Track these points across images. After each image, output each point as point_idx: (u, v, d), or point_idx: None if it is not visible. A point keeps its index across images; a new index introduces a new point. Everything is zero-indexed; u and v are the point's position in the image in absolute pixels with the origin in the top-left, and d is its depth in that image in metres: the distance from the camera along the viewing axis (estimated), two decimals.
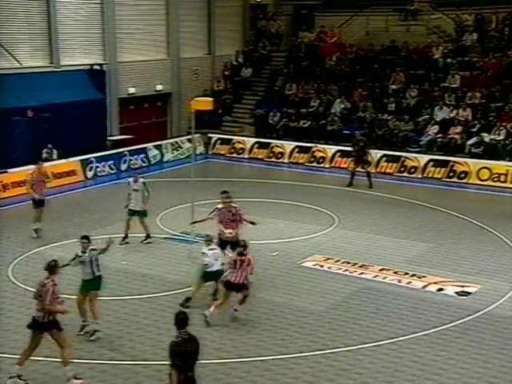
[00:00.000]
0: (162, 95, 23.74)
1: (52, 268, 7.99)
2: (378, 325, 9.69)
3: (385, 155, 19.98)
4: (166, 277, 11.40)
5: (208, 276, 10.00)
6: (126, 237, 12.94)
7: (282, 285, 11.05)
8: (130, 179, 13.34)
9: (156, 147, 21.54)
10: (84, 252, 9.17)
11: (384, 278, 11.31)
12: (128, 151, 20.44)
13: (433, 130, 20.41)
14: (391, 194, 17.32)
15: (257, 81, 25.58)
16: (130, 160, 20.50)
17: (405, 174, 19.55)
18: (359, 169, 18.17)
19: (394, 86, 22.47)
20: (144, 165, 20.90)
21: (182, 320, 6.47)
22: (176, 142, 22.42)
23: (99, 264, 9.19)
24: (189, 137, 21.34)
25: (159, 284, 11.05)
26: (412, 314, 9.96)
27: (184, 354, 6.22)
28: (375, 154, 20.03)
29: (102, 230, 13.65)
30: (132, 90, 22.45)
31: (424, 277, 11.36)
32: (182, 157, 22.13)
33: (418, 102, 21.61)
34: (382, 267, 11.77)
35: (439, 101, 21.07)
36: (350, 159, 19.27)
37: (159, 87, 23.44)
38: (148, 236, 13.09)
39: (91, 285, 9.17)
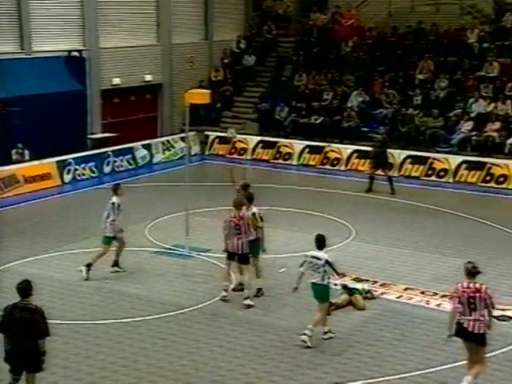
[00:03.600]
0: (151, 87, 23.84)
1: None
2: (403, 354, 9.66)
3: (410, 156, 20.01)
4: (156, 297, 11.41)
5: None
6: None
7: (290, 306, 11.05)
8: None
9: (144, 147, 21.63)
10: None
11: (409, 299, 11.30)
12: (112, 151, 20.52)
13: (466, 126, 20.44)
14: (417, 202, 17.32)
15: (261, 70, 25.68)
16: (115, 162, 20.58)
17: (433, 178, 19.57)
18: (379, 172, 18.20)
19: (420, 76, 22.52)
20: (131, 167, 20.98)
21: (22, 289, 7.48)
22: (168, 141, 22.50)
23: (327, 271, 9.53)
24: (182, 135, 21.41)
25: (148, 305, 11.07)
26: (443, 342, 9.92)
27: (9, 321, 7.35)
28: (398, 154, 20.07)
29: (76, 245, 13.68)
30: (116, 81, 22.55)
31: None
32: (175, 158, 22.22)
33: (449, 93, 21.66)
34: (406, 286, 11.76)
35: (474, 92, 21.09)
36: (368, 161, 19.31)
37: (148, 77, 23.55)
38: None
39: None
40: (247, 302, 10.98)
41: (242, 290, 11.18)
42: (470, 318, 8.17)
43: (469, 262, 8.48)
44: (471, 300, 8.17)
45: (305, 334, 9.67)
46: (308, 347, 9.60)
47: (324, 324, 9.91)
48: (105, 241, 12.17)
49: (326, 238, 9.88)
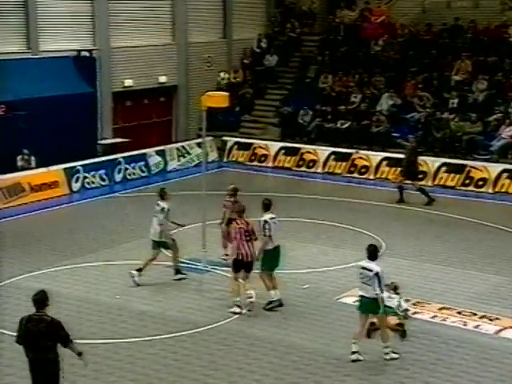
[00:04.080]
0: (165, 89, 24.02)
1: None
2: (438, 379, 9.56)
3: (445, 164, 19.91)
4: (169, 315, 11.44)
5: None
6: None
7: (314, 326, 11.03)
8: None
9: (158, 153, 21.75)
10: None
11: (445, 320, 11.20)
12: (123, 158, 20.67)
13: (507, 132, 20.29)
14: (453, 213, 17.20)
15: (283, 71, 25.75)
16: (126, 169, 20.73)
17: (471, 188, 19.44)
18: (409, 181, 18.09)
19: (457, 77, 22.42)
20: (143, 175, 21.12)
21: (38, 300, 7.64)
22: (183, 147, 22.62)
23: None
24: (199, 140, 21.51)
25: (161, 324, 11.10)
26: (482, 367, 9.82)
27: (25, 334, 7.54)
28: (432, 162, 19.97)
29: (84, 259, 13.78)
30: (129, 83, 22.76)
31: (497, 319, 11.23)
32: (191, 165, 22.32)
33: (489, 96, 21.53)
34: (441, 305, 11.67)
35: None
36: (399, 169, 19.21)
37: (162, 79, 23.74)
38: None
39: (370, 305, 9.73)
40: (233, 309, 11.23)
41: (280, 305, 11.44)
42: None
43: None
44: None
45: (387, 353, 9.80)
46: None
47: (384, 340, 9.88)
48: (153, 246, 12.58)
49: (379, 249, 9.98)
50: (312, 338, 10.61)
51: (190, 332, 10.73)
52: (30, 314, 7.68)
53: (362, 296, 9.92)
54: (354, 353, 9.90)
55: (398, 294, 10.98)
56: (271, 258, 11.56)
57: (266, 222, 11.40)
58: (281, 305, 11.56)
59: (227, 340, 10.52)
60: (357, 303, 11.53)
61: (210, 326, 10.92)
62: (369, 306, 9.86)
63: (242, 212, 11.79)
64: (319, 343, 10.46)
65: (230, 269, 11.90)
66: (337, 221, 16.40)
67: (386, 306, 10.75)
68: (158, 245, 12.58)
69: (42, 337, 7.51)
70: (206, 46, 24.98)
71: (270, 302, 11.52)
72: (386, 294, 10.76)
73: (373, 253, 9.93)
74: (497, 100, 21.34)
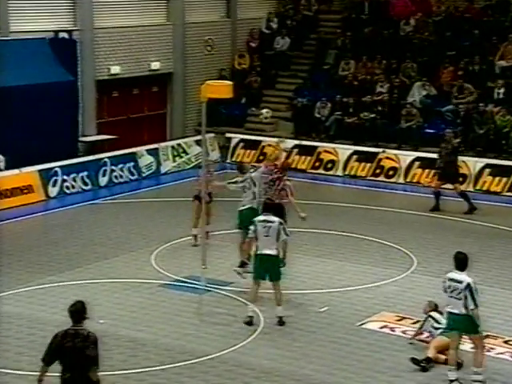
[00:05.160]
0: (159, 77, 24.10)
1: None
2: None
3: (488, 165, 19.92)
4: (162, 343, 11.48)
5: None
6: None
7: (332, 356, 11.02)
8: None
9: (150, 153, 21.81)
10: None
11: (489, 350, 11.17)
12: (109, 158, 20.72)
13: None
14: (498, 224, 17.18)
15: (297, 56, 25.81)
16: (113, 171, 20.80)
17: None
18: (447, 186, 18.11)
19: (503, 63, 22.44)
20: (133, 178, 21.17)
21: (75, 312, 7.85)
22: (179, 145, 22.68)
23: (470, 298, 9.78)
24: (198, 137, 21.56)
25: (153, 353, 11.13)
26: None
27: (59, 351, 7.74)
28: (474, 163, 19.95)
29: (63, 276, 13.82)
30: (116, 70, 22.84)
31: None
32: (188, 166, 22.36)
33: None
34: (485, 333, 11.65)
35: None
36: (434, 172, 19.23)
37: (155, 65, 23.83)
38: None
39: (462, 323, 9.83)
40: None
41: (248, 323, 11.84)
42: None
43: None
44: None
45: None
46: None
47: (477, 365, 9.93)
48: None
49: (469, 257, 10.09)
50: (329, 371, 10.61)
51: (188, 363, 10.72)
52: (66, 328, 7.86)
53: (450, 313, 9.95)
54: (452, 382, 9.95)
55: (441, 313, 11.00)
56: (254, 266, 11.96)
57: (252, 222, 11.87)
58: (249, 323, 11.78)
59: (230, 372, 10.53)
60: (386, 330, 11.56)
61: (210, 356, 10.93)
62: (460, 324, 9.89)
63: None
64: (339, 377, 10.47)
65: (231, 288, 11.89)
66: (359, 232, 16.41)
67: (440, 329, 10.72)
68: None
69: (78, 353, 7.68)
70: (206, 26, 25.06)
71: (250, 317, 11.84)
72: (438, 316, 10.81)
73: (463, 261, 10.02)
74: None
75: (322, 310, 12.58)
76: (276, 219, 11.91)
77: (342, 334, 11.74)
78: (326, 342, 11.45)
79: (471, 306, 9.79)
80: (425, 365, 10.51)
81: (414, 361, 10.55)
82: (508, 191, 19.59)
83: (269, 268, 11.88)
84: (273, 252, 11.80)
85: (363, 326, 12.01)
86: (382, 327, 11.97)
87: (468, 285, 9.78)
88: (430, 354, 10.59)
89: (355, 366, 10.75)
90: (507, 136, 20.71)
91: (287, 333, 11.73)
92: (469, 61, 22.70)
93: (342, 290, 13.46)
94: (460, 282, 9.85)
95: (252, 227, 11.92)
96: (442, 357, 10.56)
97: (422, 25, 24.26)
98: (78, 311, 7.87)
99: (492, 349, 11.18)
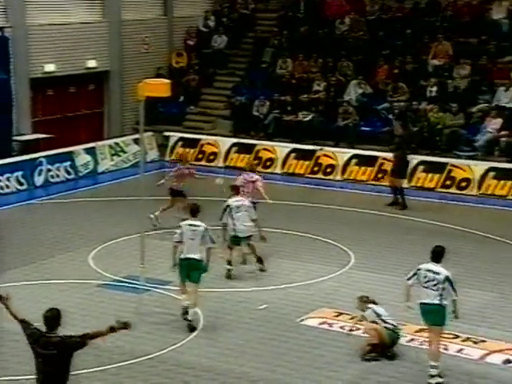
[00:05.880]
0: (95, 75, 23.87)
1: None
2: None
3: (423, 162, 20.22)
4: (101, 344, 11.33)
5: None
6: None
7: (272, 353, 11.06)
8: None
9: (87, 152, 21.57)
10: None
11: (423, 344, 11.36)
12: (45, 157, 20.45)
13: (493, 124, 20.69)
14: (432, 219, 17.48)
15: (235, 54, 25.83)
16: (49, 171, 20.50)
17: (452, 190, 19.79)
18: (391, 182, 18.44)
19: (435, 61, 22.82)
20: (70, 177, 20.91)
21: (49, 318, 7.75)
22: (117, 144, 22.50)
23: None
24: (136, 136, 21.38)
25: (92, 354, 10.95)
26: None
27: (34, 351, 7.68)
28: (410, 159, 20.25)
29: None
30: (50, 68, 22.54)
31: (483, 341, 11.45)
32: (126, 165, 22.19)
33: (472, 83, 21.94)
34: (419, 327, 11.83)
35: (504, 81, 21.30)
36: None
37: (91, 63, 23.57)
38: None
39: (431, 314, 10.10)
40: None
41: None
42: None
43: None
44: None
45: (433, 376, 10.05)
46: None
47: (435, 358, 10.16)
48: (237, 242, 14.13)
49: (445, 251, 10.35)
50: (269, 368, 10.64)
51: (126, 363, 10.65)
52: (42, 333, 7.72)
53: (422, 304, 10.15)
54: (432, 376, 10.09)
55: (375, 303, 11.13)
56: (179, 269, 11.97)
57: (178, 226, 12.01)
58: (185, 313, 11.82)
59: (169, 372, 10.48)
60: (324, 326, 11.65)
61: (149, 356, 10.87)
62: (430, 314, 10.13)
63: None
64: (278, 373, 10.51)
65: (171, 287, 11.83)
66: (298, 229, 16.51)
67: (385, 321, 10.85)
68: (245, 240, 13.96)
69: (51, 361, 7.61)
70: (142, 24, 24.90)
71: (185, 308, 11.87)
72: (382, 310, 10.92)
73: (439, 254, 10.28)
74: (481, 88, 21.73)
75: (262, 307, 12.62)
76: (202, 224, 11.96)
77: (282, 331, 11.80)
78: (266, 339, 11.49)
79: (454, 297, 10.11)
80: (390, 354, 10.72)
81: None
82: (441, 187, 19.93)
83: (191, 272, 11.85)
84: (196, 256, 11.81)
85: (302, 323, 12.09)
86: (320, 323, 12.07)
87: (447, 277, 10.07)
88: (375, 341, 10.76)
89: (295, 362, 10.80)
90: (440, 133, 21.05)
91: (227, 331, 11.75)
92: (402, 60, 23.01)
93: (282, 288, 13.52)
94: (438, 273, 10.10)
95: (178, 231, 11.96)
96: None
97: (356, 24, 24.50)
98: (54, 317, 7.75)
99: (426, 342, 11.35)
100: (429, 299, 10.08)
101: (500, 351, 11.14)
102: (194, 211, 12.17)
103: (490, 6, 23.39)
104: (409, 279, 10.38)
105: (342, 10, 25.03)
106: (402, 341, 11.40)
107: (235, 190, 14.34)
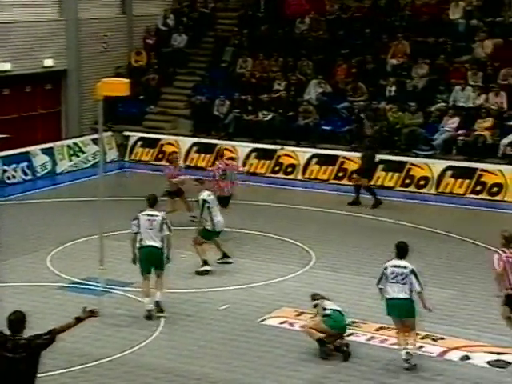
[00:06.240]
0: (52, 74, 23.62)
1: None
2: None
3: (382, 161, 20.36)
4: (59, 346, 11.15)
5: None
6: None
7: (233, 353, 11.07)
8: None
9: (45, 152, 21.37)
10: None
11: (383, 341, 11.47)
12: (1, 158, 20.23)
13: (451, 123, 20.94)
14: (391, 218, 17.63)
15: (195, 53, 25.77)
16: (5, 171, 20.24)
17: (411, 189, 19.98)
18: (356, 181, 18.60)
19: (394, 61, 23.02)
20: (27, 178, 20.68)
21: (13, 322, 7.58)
22: (75, 144, 22.31)
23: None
24: (95, 136, 21.25)
25: (49, 357, 10.74)
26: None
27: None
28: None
29: None
30: (6, 67, 22.25)
31: (442, 339, 11.57)
32: (85, 166, 22.01)
33: (430, 83, 22.18)
34: (379, 325, 11.95)
35: (460, 81, 21.59)
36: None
37: (48, 62, 23.33)
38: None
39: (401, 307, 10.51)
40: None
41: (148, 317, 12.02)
42: None
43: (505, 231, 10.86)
44: None
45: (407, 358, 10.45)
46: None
47: (413, 344, 10.58)
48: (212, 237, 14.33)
49: (409, 246, 10.76)
50: (229, 368, 10.65)
51: (85, 366, 10.58)
52: (6, 336, 7.57)
53: (392, 299, 10.47)
54: (407, 360, 10.44)
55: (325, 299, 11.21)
56: (140, 259, 12.15)
57: (136, 217, 12.12)
58: (149, 317, 11.96)
59: (130, 374, 10.44)
60: (285, 326, 11.70)
61: (109, 358, 10.82)
62: (403, 308, 10.48)
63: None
64: (238, 373, 10.53)
65: (131, 289, 11.78)
66: (259, 229, 16.54)
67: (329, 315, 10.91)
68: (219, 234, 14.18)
69: (24, 361, 7.48)
70: (101, 22, 24.71)
71: (149, 311, 12.06)
72: (329, 304, 10.97)
73: (403, 250, 10.71)
74: (439, 87, 21.97)
75: (223, 307, 12.63)
76: (160, 214, 12.20)
77: (242, 331, 11.82)
78: (226, 339, 11.50)
79: (418, 289, 10.41)
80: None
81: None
82: (401, 186, 20.11)
83: (153, 259, 12.11)
84: (157, 244, 12.02)
85: (263, 323, 12.12)
86: (281, 323, 12.11)
87: (412, 270, 10.45)
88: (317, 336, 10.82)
89: (255, 362, 10.83)
90: (399, 132, 21.24)
91: (188, 332, 11.73)
92: (361, 59, 23.13)
93: (243, 288, 13.54)
94: (404, 267, 10.49)
95: (135, 221, 12.15)
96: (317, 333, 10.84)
97: (316, 23, 24.59)
98: (19, 320, 7.64)
99: (386, 340, 11.47)
100: (399, 294, 10.39)
101: (458, 348, 11.28)
102: (152, 201, 12.37)
103: (447, 6, 23.64)
104: (378, 283, 10.62)
105: (302, 10, 25.10)
106: (362, 339, 11.49)
107: (201, 183, 14.45)
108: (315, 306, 11.12)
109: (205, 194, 14.04)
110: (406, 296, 10.39)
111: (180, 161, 19.49)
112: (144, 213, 12.20)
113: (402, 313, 10.53)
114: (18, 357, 7.47)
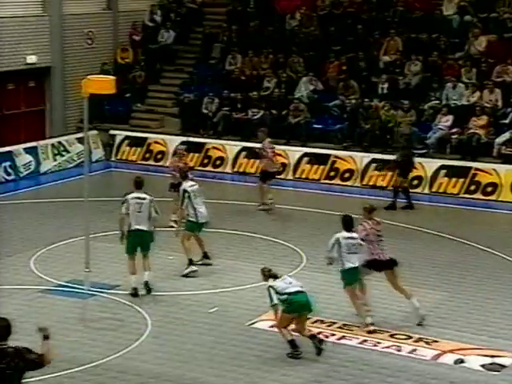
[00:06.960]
0: (36, 71, 23.57)
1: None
2: None
3: (374, 160, 20.38)
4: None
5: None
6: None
7: (222, 357, 11.08)
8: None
9: (28, 151, 21.30)
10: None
11: (376, 345, 11.49)
12: None
13: (444, 121, 21.00)
14: (384, 218, 17.57)
15: (183, 50, 25.75)
16: None
17: None
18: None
19: (386, 58, 23.06)
20: (9, 178, 20.62)
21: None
22: (60, 144, 22.26)
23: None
24: (80, 135, 21.19)
25: None
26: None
27: None
28: (360, 158, 20.46)
29: None
30: None
31: (435, 342, 11.60)
32: (70, 166, 21.98)
33: (423, 80, 22.23)
34: (372, 328, 11.97)
35: (453, 78, 21.65)
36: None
37: (32, 59, 23.27)
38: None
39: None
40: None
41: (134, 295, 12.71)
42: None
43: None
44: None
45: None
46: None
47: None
48: (198, 229, 14.34)
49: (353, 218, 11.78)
50: (218, 373, 10.66)
51: (70, 371, 10.54)
52: None
53: (351, 268, 11.57)
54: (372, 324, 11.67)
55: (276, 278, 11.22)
56: (128, 241, 12.75)
57: (124, 200, 12.75)
58: (135, 295, 12.70)
59: (115, 379, 10.41)
60: (275, 329, 11.70)
61: (95, 363, 10.79)
62: (358, 275, 11.74)
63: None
64: (228, 378, 10.53)
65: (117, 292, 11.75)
66: (249, 230, 16.53)
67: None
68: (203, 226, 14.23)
69: (10, 371, 7.36)
70: (85, 18, 24.68)
71: (134, 289, 12.76)
72: (278, 284, 10.97)
73: (350, 222, 11.81)
74: (432, 85, 22.03)
75: (212, 310, 12.62)
76: (148, 197, 12.75)
77: (232, 334, 11.82)
78: (216, 343, 11.49)
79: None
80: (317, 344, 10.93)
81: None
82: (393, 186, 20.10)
83: (140, 241, 12.74)
84: (144, 227, 12.64)
85: (253, 326, 12.12)
86: (271, 326, 12.10)
87: (362, 239, 11.72)
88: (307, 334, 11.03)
89: (245, 366, 10.83)
90: (391, 131, 21.25)
91: (176, 335, 11.72)
92: (353, 56, 23.17)
93: (233, 290, 13.53)
94: (355, 238, 11.65)
95: (125, 204, 12.65)
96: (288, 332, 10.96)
97: (307, 19, 24.61)
98: (4, 327, 7.49)
99: (378, 343, 11.50)
100: (357, 262, 11.61)
101: (452, 351, 11.31)
102: (138, 184, 12.87)
103: (440, 2, 23.70)
104: (331, 250, 11.71)
105: (293, 5, 25.11)
106: (354, 342, 11.51)
107: (184, 173, 14.57)
108: (269, 287, 11.05)
109: (186, 185, 14.08)
110: (356, 264, 11.64)
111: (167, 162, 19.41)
112: (132, 195, 12.70)
113: (358, 280, 11.78)
114: (3, 367, 7.35)
